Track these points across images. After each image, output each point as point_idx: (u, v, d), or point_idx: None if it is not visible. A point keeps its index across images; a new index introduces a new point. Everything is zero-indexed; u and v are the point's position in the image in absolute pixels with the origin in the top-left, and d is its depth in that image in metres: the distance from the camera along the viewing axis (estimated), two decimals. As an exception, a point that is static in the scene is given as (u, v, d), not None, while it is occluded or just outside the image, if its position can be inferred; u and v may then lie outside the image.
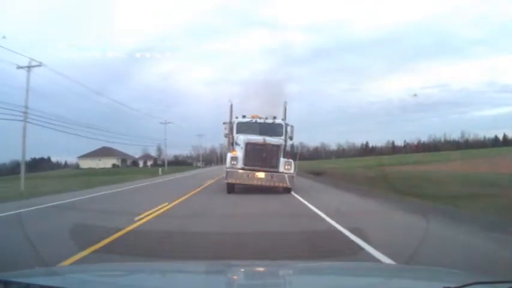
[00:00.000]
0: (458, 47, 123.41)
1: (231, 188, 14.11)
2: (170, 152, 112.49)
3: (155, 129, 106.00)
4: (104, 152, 73.78)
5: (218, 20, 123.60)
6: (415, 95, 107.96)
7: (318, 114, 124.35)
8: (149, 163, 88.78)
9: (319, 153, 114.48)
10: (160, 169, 38.63)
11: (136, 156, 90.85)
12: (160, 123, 51.65)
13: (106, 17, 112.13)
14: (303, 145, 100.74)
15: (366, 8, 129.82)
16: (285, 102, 16.65)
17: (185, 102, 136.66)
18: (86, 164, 74.05)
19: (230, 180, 13.94)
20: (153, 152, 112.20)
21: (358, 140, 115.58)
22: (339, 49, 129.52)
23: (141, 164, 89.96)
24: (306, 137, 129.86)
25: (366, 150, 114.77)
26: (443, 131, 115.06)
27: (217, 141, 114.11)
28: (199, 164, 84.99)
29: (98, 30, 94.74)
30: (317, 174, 28.56)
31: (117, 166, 72.62)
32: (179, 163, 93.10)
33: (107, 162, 73.47)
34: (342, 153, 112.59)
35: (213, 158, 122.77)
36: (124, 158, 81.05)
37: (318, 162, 67.76)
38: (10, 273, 2.14)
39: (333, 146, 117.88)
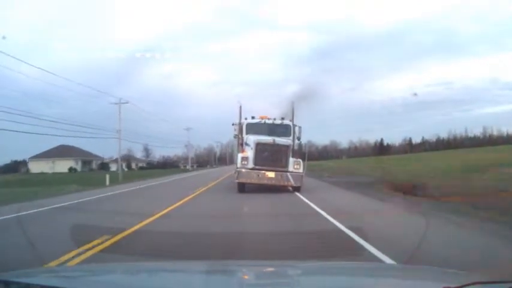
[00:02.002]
0: (461, 44, 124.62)
1: (242, 188, 14.65)
2: (160, 152, 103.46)
3: (142, 125, 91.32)
4: (63, 151, 57.72)
5: (219, 21, 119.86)
6: (415, 94, 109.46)
7: (322, 113, 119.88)
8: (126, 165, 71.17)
9: (328, 152, 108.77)
10: (107, 176, 22.30)
11: (109, 158, 73.75)
12: (111, 103, 33.80)
13: (107, 18, 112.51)
14: (311, 143, 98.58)
15: (368, 7, 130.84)
16: (293, 103, 17.13)
17: (184, 102, 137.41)
18: (38, 167, 56.65)
19: (241, 180, 14.47)
20: (139, 153, 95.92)
21: (361, 138, 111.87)
22: (341, 48, 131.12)
23: (114, 167, 72.50)
24: (313, 135, 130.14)
25: (381, 149, 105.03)
26: (447, 128, 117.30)
27: (215, 138, 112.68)
28: (188, 167, 68.05)
29: (99, 31, 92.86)
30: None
31: (75, 170, 55.27)
32: (164, 165, 76.52)
33: (63, 165, 56.22)
34: (354, 151, 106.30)
35: (210, 159, 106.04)
36: (88, 159, 63.65)
37: (335, 163, 53.48)
38: (10, 273, 2.15)
39: (344, 144, 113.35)
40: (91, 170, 55.99)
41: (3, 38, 21.91)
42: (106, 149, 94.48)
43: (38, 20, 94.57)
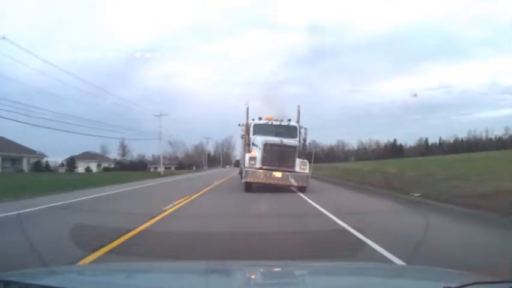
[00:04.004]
0: (461, 48, 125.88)
1: (249, 187, 15.18)
2: (141, 150, 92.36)
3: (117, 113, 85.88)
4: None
5: (218, 21, 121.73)
6: (415, 95, 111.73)
7: (325, 113, 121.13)
8: (84, 166, 54.68)
9: (335, 154, 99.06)
10: None
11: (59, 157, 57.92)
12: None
13: (107, 18, 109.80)
14: (316, 144, 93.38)
15: (369, 9, 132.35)
16: (299, 106, 17.75)
17: (184, 102, 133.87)
18: None
19: (249, 179, 14.95)
20: (115, 151, 79.44)
21: (371, 138, 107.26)
22: (341, 50, 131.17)
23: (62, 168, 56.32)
24: (318, 136, 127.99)
25: (393, 150, 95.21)
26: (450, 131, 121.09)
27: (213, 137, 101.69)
28: (160, 169, 51.63)
29: (99, 31, 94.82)
30: None
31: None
32: (135, 167, 60.49)
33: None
34: (364, 153, 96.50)
35: (200, 160, 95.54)
36: (18, 155, 46.74)
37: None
38: (10, 273, 2.17)
39: (351, 145, 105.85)
40: (19, 172, 39.72)
41: (3, 38, 22.11)
42: (64, 146, 77.80)
43: (38, 20, 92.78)
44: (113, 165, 70.21)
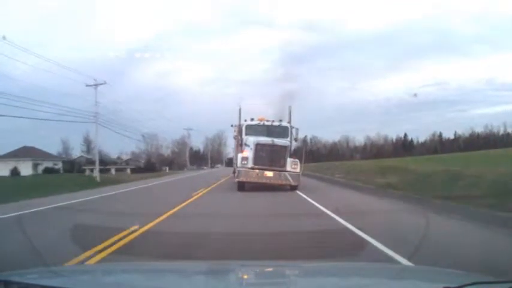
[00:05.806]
0: (457, 45, 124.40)
1: (242, 186, 16.04)
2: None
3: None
4: None
5: (213, 19, 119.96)
6: (415, 94, 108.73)
7: (322, 111, 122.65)
8: (11, 167, 39.92)
9: (338, 150, 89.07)
10: None
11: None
12: None
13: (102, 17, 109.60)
14: (317, 139, 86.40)
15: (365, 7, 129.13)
16: (290, 107, 18.75)
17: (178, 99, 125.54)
18: None
19: (241, 179, 15.80)
20: (78, 149, 70.11)
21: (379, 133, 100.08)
22: (337, 48, 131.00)
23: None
24: (320, 132, 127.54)
25: (404, 146, 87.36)
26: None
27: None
28: (95, 173, 35.30)
29: (96, 30, 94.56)
30: None
31: None
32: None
33: None
34: (370, 150, 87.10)
35: (182, 158, 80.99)
36: None
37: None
38: (10, 273, 2.19)
39: (357, 140, 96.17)
40: None
41: (3, 38, 20.62)
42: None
43: (37, 18, 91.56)
44: (60, 165, 55.36)
